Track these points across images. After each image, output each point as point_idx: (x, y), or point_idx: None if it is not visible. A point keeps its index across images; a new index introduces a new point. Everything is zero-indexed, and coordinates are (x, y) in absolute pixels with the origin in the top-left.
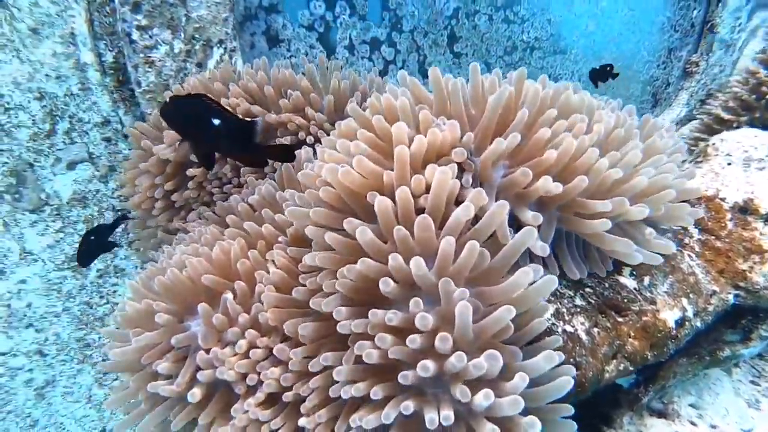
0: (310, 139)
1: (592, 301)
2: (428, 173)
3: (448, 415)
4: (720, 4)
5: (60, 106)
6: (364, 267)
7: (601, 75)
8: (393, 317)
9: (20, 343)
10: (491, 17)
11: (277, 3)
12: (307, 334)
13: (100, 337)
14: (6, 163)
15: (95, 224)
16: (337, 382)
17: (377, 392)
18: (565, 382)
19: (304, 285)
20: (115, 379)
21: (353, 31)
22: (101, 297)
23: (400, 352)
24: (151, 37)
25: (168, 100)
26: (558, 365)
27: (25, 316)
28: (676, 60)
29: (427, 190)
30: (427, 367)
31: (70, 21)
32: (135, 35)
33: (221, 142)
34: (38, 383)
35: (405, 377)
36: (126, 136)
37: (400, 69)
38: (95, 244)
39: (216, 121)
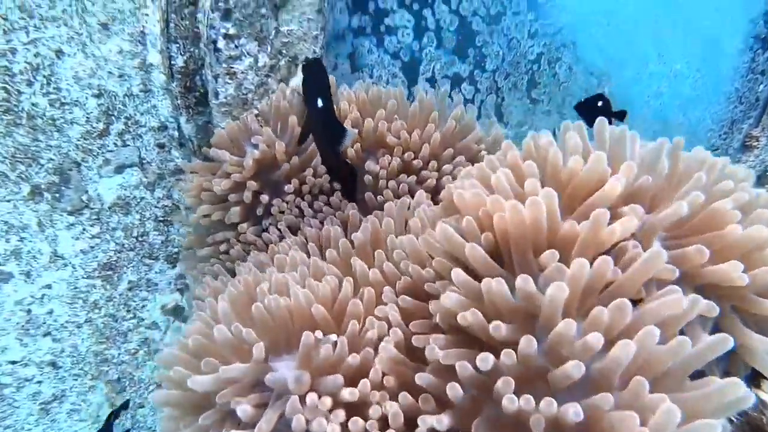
0: (417, 163)
1: (733, 419)
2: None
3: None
4: None
5: (118, 106)
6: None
7: (591, 109)
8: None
9: (34, 352)
10: (571, 67)
11: (365, 26)
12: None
13: (119, 354)
14: (52, 159)
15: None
16: None
17: None
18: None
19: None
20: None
21: (437, 64)
22: (128, 311)
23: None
24: (236, 47)
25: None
26: None
27: (44, 323)
28: (737, 132)
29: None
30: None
31: (142, 20)
32: (221, 43)
33: (316, 124)
34: (45, 397)
35: None
36: (182, 144)
37: (478, 107)
38: None
39: (320, 103)
